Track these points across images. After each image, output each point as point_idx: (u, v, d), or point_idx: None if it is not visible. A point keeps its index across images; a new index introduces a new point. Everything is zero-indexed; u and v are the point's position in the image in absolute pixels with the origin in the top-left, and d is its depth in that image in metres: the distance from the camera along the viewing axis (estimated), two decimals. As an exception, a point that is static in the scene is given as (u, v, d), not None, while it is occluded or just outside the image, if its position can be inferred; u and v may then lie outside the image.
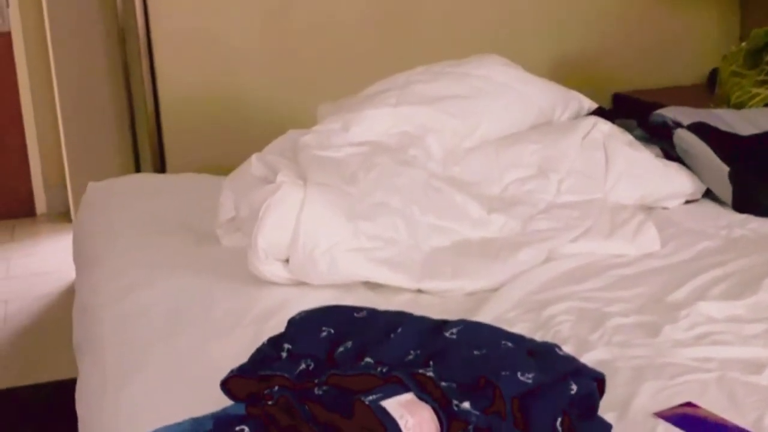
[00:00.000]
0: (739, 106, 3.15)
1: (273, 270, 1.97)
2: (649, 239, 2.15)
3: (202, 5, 3.49)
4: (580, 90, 2.85)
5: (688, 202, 2.46)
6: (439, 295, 1.94)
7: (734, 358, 1.60)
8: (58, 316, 3.48)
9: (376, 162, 2.20)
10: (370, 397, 1.16)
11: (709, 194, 2.48)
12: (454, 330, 1.35)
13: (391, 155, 2.26)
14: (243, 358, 1.43)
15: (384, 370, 1.25)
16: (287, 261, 1.98)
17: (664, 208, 2.42)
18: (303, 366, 1.32)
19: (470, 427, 1.15)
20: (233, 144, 3.47)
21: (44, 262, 4.17)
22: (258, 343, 1.47)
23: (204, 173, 2.98)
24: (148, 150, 3.60)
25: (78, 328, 2.15)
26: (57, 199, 4.87)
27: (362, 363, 1.29)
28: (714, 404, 1.44)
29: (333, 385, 1.24)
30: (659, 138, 2.66)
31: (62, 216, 4.79)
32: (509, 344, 1.31)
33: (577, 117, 2.71)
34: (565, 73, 3.82)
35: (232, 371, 1.35)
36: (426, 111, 2.43)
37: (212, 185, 2.57)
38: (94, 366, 1.81)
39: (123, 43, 3.74)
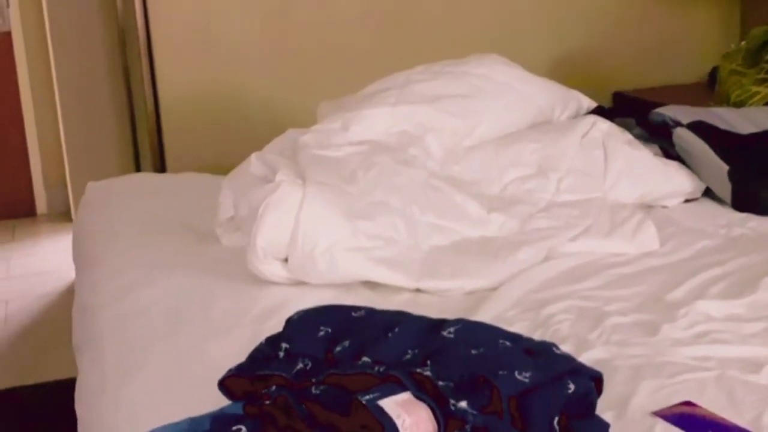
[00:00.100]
0: (739, 104, 3.15)
1: (272, 269, 1.97)
2: (649, 238, 2.15)
3: (202, 5, 3.49)
4: (581, 89, 2.85)
5: (687, 200, 2.46)
6: (439, 294, 1.94)
7: (733, 357, 1.59)
8: (59, 316, 3.48)
9: (376, 161, 2.21)
10: (368, 397, 1.16)
11: (708, 193, 2.48)
12: (452, 329, 1.35)
13: (391, 154, 2.26)
14: (242, 357, 1.44)
15: (381, 369, 1.25)
16: (286, 260, 1.98)
17: (664, 207, 2.41)
18: (300, 365, 1.32)
19: (467, 426, 1.15)
20: (233, 143, 3.47)
21: (44, 261, 4.17)
22: (257, 343, 1.47)
23: (204, 173, 2.99)
24: (148, 150, 3.60)
25: (77, 327, 2.15)
26: (57, 199, 4.87)
27: (360, 362, 1.29)
28: (713, 403, 1.44)
29: (330, 384, 1.24)
30: (658, 137, 2.66)
31: (63, 216, 4.79)
32: (507, 343, 1.31)
33: (576, 116, 2.71)
34: (566, 71, 3.82)
35: (229, 371, 1.35)
36: (425, 110, 2.44)
37: (212, 185, 2.57)
38: (93, 365, 1.81)
39: (123, 43, 3.75)
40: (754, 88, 3.12)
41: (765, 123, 2.62)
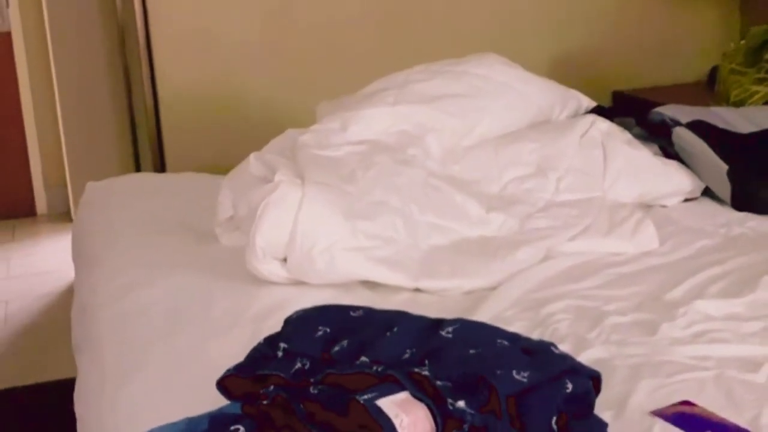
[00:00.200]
0: (739, 103, 3.15)
1: (271, 269, 1.97)
2: (648, 237, 2.15)
3: (202, 5, 3.49)
4: (580, 88, 2.85)
5: (686, 200, 2.45)
6: (438, 294, 1.94)
7: (732, 356, 1.59)
8: (59, 316, 3.48)
9: (375, 161, 2.21)
10: (366, 396, 1.16)
11: (707, 192, 2.48)
12: (450, 329, 1.35)
13: (390, 154, 2.26)
14: (241, 357, 1.44)
15: (380, 369, 1.25)
16: (285, 260, 1.98)
17: (663, 206, 2.41)
18: (299, 365, 1.32)
19: (465, 426, 1.15)
20: (233, 143, 3.47)
21: (45, 262, 4.17)
22: (256, 343, 1.47)
23: (204, 173, 2.98)
24: (148, 150, 3.60)
25: (77, 327, 2.15)
26: (57, 199, 4.87)
27: (358, 362, 1.29)
28: (711, 402, 1.44)
29: (329, 384, 1.24)
30: (658, 136, 2.66)
31: (63, 216, 4.79)
32: (505, 343, 1.31)
33: (575, 115, 2.71)
34: (565, 71, 3.81)
35: (228, 370, 1.35)
36: (425, 110, 2.44)
37: (212, 185, 2.57)
38: (92, 365, 1.81)
39: (123, 43, 3.75)
40: (754, 88, 3.12)
41: (764, 122, 2.61)
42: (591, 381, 1.32)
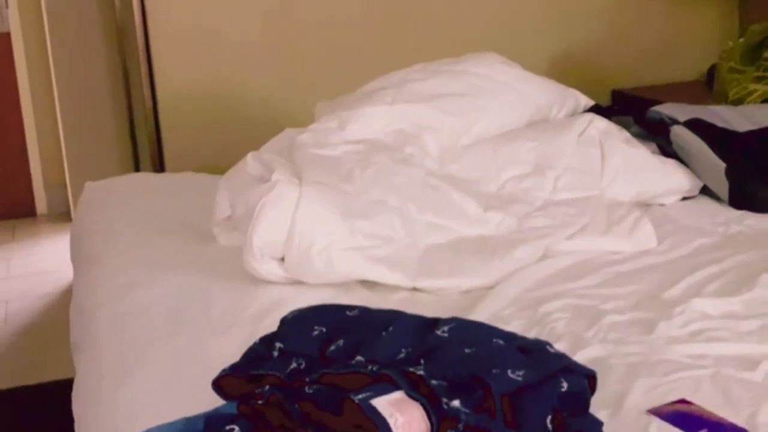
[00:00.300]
0: (737, 102, 3.15)
1: (269, 269, 1.97)
2: (646, 236, 2.15)
3: (200, 5, 3.49)
4: (580, 87, 2.85)
5: (684, 198, 2.45)
6: (436, 293, 1.94)
7: (729, 355, 1.59)
8: (59, 316, 3.48)
9: (373, 160, 2.21)
10: (360, 396, 1.16)
11: (705, 191, 2.48)
12: (446, 328, 1.35)
13: (388, 153, 2.26)
14: (239, 356, 1.44)
15: (375, 368, 1.25)
16: (283, 259, 1.98)
17: (661, 205, 2.41)
18: (294, 365, 1.32)
19: (460, 425, 1.15)
20: (232, 143, 3.47)
21: (45, 262, 4.18)
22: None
23: (203, 172, 2.98)
24: (147, 149, 3.60)
25: (75, 327, 2.15)
26: (57, 199, 4.88)
27: (353, 361, 1.29)
28: (708, 401, 1.44)
29: (324, 383, 1.24)
30: (656, 135, 2.66)
31: (62, 216, 4.79)
32: (500, 342, 1.31)
33: (574, 114, 2.71)
34: (565, 70, 3.82)
35: (223, 370, 1.35)
36: (422, 109, 2.44)
37: (211, 184, 2.57)
38: (91, 365, 1.81)
39: (122, 43, 3.75)
40: (752, 86, 3.12)
41: (763, 120, 2.61)
42: (586, 380, 1.32)
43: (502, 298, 1.87)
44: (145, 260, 2.16)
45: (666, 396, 1.45)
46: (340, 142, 2.29)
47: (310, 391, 1.23)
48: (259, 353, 1.39)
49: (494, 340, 1.31)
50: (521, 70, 2.72)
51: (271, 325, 1.66)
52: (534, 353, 1.31)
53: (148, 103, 3.50)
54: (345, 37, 3.66)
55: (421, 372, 1.21)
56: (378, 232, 2.03)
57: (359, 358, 1.30)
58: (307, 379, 1.27)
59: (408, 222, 2.09)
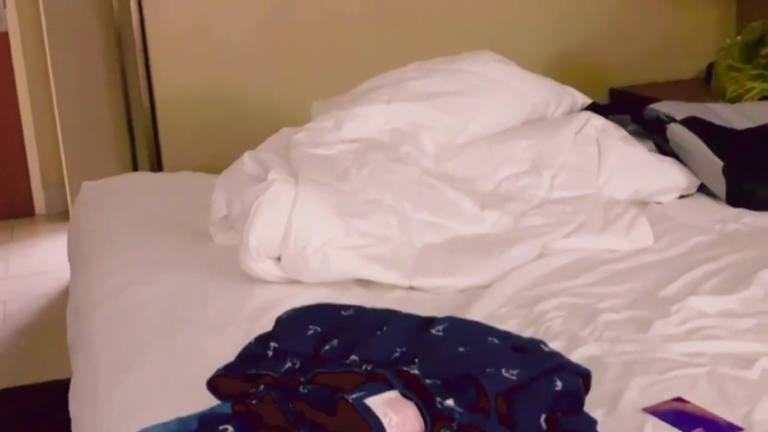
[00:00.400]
0: (735, 100, 3.14)
1: (265, 268, 1.97)
2: (642, 234, 2.15)
3: (198, 4, 3.49)
4: (577, 85, 2.84)
5: (682, 196, 2.45)
6: (432, 292, 1.93)
7: (725, 353, 1.59)
8: (57, 316, 3.47)
9: (369, 159, 2.20)
10: (354, 395, 1.16)
11: (703, 189, 2.48)
12: (441, 327, 1.35)
13: (384, 152, 2.26)
14: (235, 356, 1.43)
15: (369, 368, 1.25)
16: (279, 259, 1.98)
17: (658, 203, 2.41)
18: (289, 364, 1.32)
19: (454, 424, 1.15)
20: (230, 143, 3.46)
21: (43, 261, 4.18)
22: (250, 342, 1.47)
23: (200, 172, 2.98)
24: (144, 149, 3.60)
25: (72, 327, 2.15)
26: (55, 199, 4.88)
27: (348, 361, 1.29)
28: (704, 399, 1.44)
29: (318, 383, 1.24)
30: (653, 133, 2.66)
31: (61, 216, 4.79)
32: (495, 341, 1.31)
33: (570, 113, 2.71)
34: (562, 68, 3.81)
35: (218, 370, 1.35)
36: (418, 108, 2.43)
37: (208, 184, 2.56)
38: (87, 364, 1.81)
39: (119, 43, 3.75)
40: (750, 84, 3.11)
41: (760, 118, 2.61)
42: (581, 378, 1.32)
43: (498, 297, 1.87)
44: (141, 260, 2.16)
45: (662, 394, 1.45)
46: (336, 141, 2.29)
47: (305, 391, 1.23)
48: (254, 353, 1.39)
49: (489, 339, 1.31)
50: (517, 68, 2.72)
51: (267, 325, 1.66)
52: (528, 352, 1.31)
53: (146, 103, 3.50)
54: (343, 37, 3.65)
55: (415, 371, 1.21)
56: (374, 231, 2.03)
57: (354, 357, 1.30)
58: (302, 379, 1.27)
59: (404, 221, 2.09)
